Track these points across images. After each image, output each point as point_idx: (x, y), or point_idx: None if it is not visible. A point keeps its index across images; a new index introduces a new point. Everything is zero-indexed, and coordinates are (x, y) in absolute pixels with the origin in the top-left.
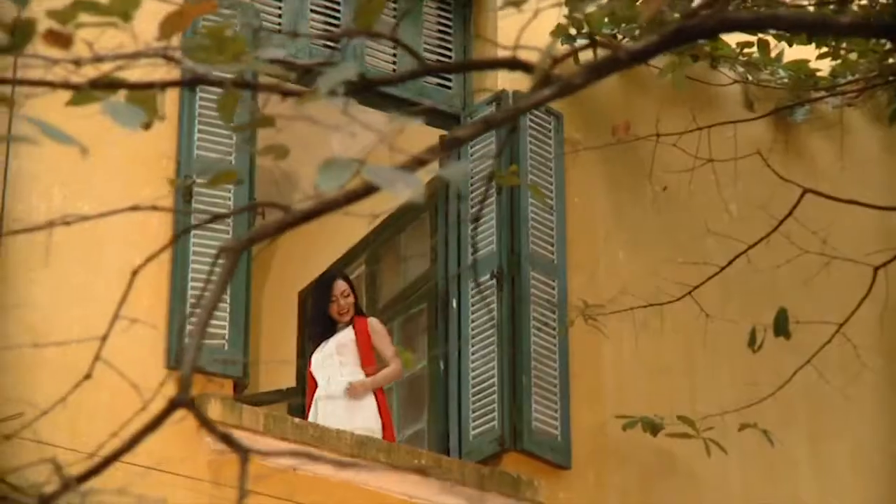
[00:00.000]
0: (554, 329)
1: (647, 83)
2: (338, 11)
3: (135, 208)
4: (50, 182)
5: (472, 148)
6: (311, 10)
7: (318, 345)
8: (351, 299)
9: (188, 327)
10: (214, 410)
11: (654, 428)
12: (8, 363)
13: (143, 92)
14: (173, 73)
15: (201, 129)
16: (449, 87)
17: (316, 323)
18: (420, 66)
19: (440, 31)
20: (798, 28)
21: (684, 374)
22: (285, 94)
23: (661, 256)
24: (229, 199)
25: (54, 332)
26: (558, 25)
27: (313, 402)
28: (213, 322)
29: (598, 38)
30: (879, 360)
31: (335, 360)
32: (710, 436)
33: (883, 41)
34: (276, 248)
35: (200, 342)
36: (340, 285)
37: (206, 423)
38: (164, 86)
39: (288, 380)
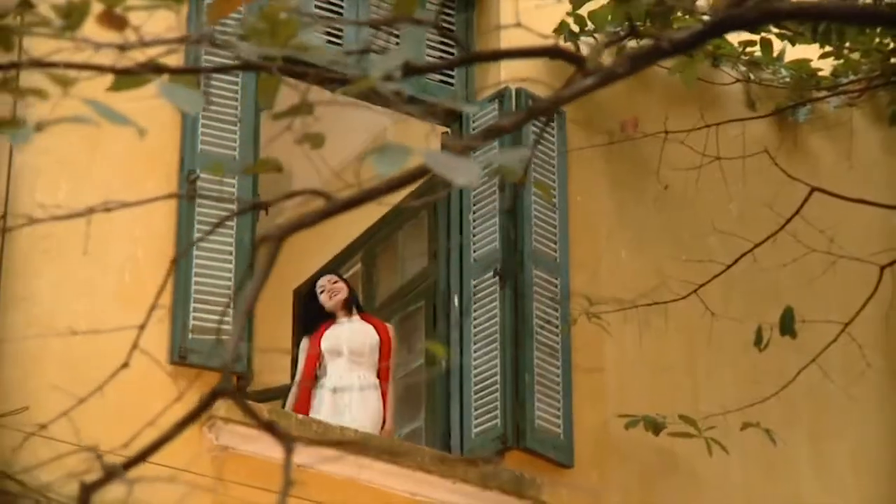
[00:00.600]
0: (556, 327)
1: (649, 81)
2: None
3: (173, 196)
4: (54, 176)
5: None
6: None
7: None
8: (341, 285)
9: (191, 322)
10: (219, 406)
11: (656, 427)
12: (13, 356)
13: (186, 77)
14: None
15: (205, 123)
16: (451, 84)
17: (308, 317)
18: (464, 53)
19: (443, 29)
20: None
21: (686, 372)
22: (333, 80)
23: (663, 255)
24: (233, 193)
25: (58, 325)
26: (562, 22)
27: (316, 389)
28: (216, 318)
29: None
30: (882, 360)
31: (348, 357)
32: (711, 435)
33: (887, 41)
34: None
35: (243, 331)
36: (325, 277)
37: (248, 412)
38: (211, 71)
39: (284, 378)
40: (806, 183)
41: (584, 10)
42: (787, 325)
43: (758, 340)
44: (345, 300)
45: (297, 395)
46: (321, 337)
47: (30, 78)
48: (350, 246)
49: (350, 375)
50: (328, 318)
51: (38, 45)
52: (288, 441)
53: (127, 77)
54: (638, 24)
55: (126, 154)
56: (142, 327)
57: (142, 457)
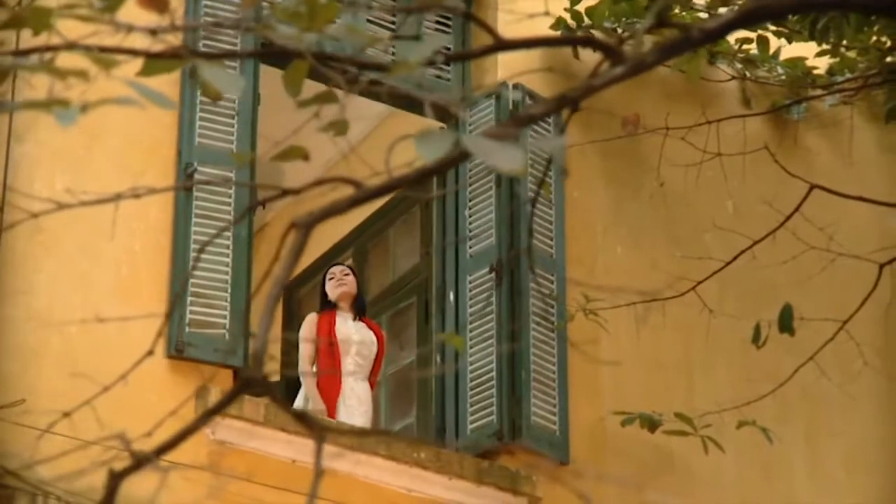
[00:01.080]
0: (552, 323)
1: (646, 78)
2: None
3: (207, 182)
4: (52, 168)
5: (471, 131)
6: None
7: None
8: (352, 279)
9: (188, 316)
10: (215, 400)
11: (652, 424)
12: (11, 348)
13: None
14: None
15: (202, 115)
16: (448, 80)
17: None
18: (496, 42)
19: (439, 24)
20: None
21: (682, 370)
22: (364, 66)
23: (659, 252)
24: (230, 186)
25: (55, 318)
26: (558, 18)
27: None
28: (214, 311)
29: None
30: (879, 359)
31: (353, 358)
32: (707, 433)
33: (884, 39)
34: (260, 241)
35: (271, 319)
36: (338, 266)
37: (277, 401)
38: (246, 56)
39: (272, 373)
40: (805, 180)
41: (581, 7)
42: (786, 322)
43: (755, 338)
44: (352, 298)
45: (319, 382)
46: (332, 325)
47: (59, 60)
48: (341, 241)
49: (353, 376)
50: (328, 306)
51: (67, 28)
52: (320, 431)
53: (159, 61)
54: (636, 20)
55: (124, 146)
56: (167, 315)
57: (169, 446)
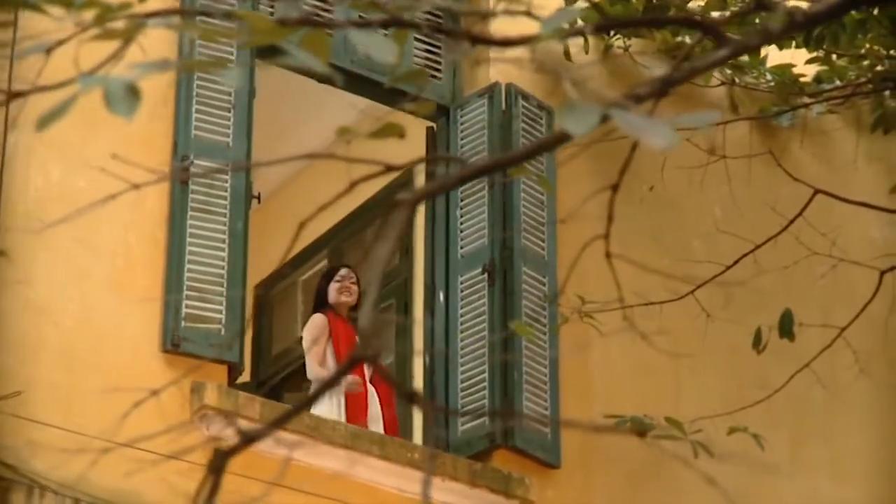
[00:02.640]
0: (544, 325)
1: (636, 82)
2: None
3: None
4: (47, 158)
5: (462, 140)
6: None
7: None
8: (356, 289)
9: (184, 310)
10: (211, 396)
11: (641, 429)
12: (8, 340)
13: (317, 35)
14: None
15: (198, 108)
16: (439, 79)
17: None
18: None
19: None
20: None
21: (671, 375)
22: (478, 40)
23: (649, 256)
24: (226, 179)
25: (51, 309)
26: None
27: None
28: (209, 306)
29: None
30: (874, 367)
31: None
32: (697, 438)
33: (877, 47)
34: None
35: (377, 297)
36: (348, 270)
37: (390, 380)
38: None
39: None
40: (809, 185)
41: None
42: (787, 328)
43: (756, 342)
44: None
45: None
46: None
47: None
48: (316, 241)
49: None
50: (323, 307)
51: None
52: (429, 413)
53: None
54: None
55: (119, 138)
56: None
57: (287, 417)
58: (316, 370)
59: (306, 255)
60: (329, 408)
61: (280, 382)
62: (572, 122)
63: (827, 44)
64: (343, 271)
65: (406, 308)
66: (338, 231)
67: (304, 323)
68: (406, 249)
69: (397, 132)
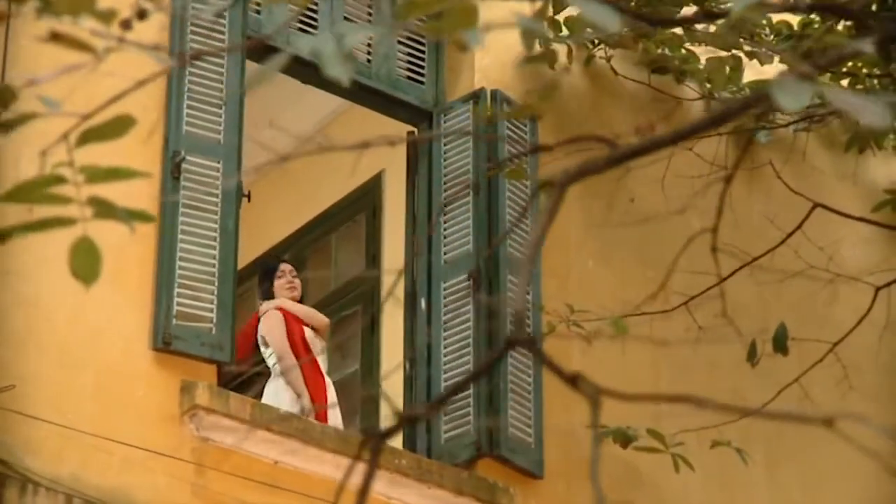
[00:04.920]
0: (529, 334)
1: (616, 92)
2: None
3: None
4: (39, 149)
5: (445, 146)
6: None
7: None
8: (298, 282)
9: (175, 308)
10: (202, 396)
11: (625, 440)
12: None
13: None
14: None
15: (190, 104)
16: (422, 83)
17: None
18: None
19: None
20: None
21: (651, 387)
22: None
23: (629, 267)
24: (218, 175)
25: (43, 304)
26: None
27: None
28: (200, 304)
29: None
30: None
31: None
32: (678, 451)
33: (860, 64)
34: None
35: (529, 280)
36: (287, 265)
37: (547, 363)
38: None
39: None
40: (808, 198)
41: (560, 16)
42: (780, 342)
43: (751, 355)
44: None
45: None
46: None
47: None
48: (278, 245)
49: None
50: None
51: None
52: (594, 395)
53: None
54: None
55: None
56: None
57: (445, 397)
58: (289, 362)
59: (262, 264)
60: (291, 399)
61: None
62: (786, 97)
63: (818, 59)
64: (283, 266)
65: (372, 316)
66: (300, 237)
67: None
68: (373, 257)
69: (533, 111)
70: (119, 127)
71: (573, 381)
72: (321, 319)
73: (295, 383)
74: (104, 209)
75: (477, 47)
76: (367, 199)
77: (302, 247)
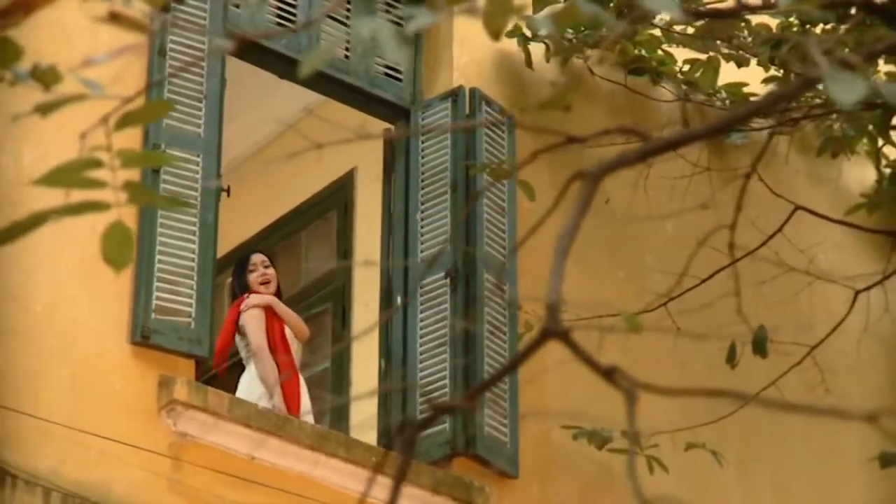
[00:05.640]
0: (505, 333)
1: (592, 93)
2: None
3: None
4: (20, 141)
5: (423, 144)
6: None
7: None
8: (272, 270)
9: (154, 302)
10: (181, 392)
11: (600, 441)
12: None
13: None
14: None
15: (171, 98)
16: (400, 80)
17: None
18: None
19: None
20: None
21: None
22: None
23: (603, 268)
24: (198, 169)
25: (21, 295)
26: (515, 26)
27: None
28: (179, 299)
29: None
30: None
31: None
32: (651, 453)
33: None
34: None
35: (562, 273)
36: (259, 255)
37: (582, 355)
38: None
39: None
40: (790, 201)
41: (539, 16)
42: (760, 344)
43: (730, 357)
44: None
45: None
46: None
47: None
48: (246, 242)
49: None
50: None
51: None
52: (630, 391)
53: None
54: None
55: (90, 124)
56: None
57: (482, 388)
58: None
59: (236, 257)
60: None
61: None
62: (841, 92)
63: (795, 63)
64: (254, 259)
65: (343, 312)
66: (270, 233)
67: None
68: (344, 254)
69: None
70: (156, 111)
71: (609, 374)
72: (304, 330)
73: (267, 381)
74: (139, 194)
75: (455, 46)
76: (338, 196)
77: (272, 243)
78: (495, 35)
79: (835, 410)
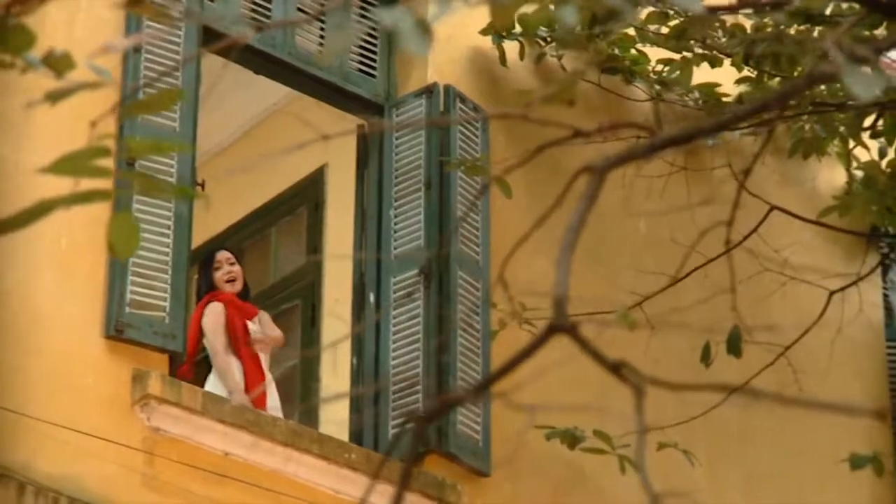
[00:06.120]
0: (478, 331)
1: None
2: None
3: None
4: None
5: (396, 140)
6: None
7: None
8: (238, 268)
9: (128, 296)
10: (154, 386)
11: (572, 440)
12: None
13: None
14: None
15: (146, 91)
16: (374, 77)
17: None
18: None
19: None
20: None
21: (596, 387)
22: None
23: (578, 266)
24: (173, 163)
25: None
26: (490, 24)
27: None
28: (153, 293)
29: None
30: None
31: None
32: (623, 452)
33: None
34: None
35: (569, 267)
36: (224, 253)
37: (589, 350)
38: None
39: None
40: (766, 201)
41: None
42: (734, 344)
43: (704, 356)
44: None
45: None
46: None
47: None
48: (214, 238)
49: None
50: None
51: None
52: (639, 386)
53: None
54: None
55: (66, 116)
56: None
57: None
58: (222, 359)
59: (201, 254)
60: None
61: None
62: (860, 86)
63: (769, 64)
64: (219, 256)
65: (313, 309)
66: (239, 229)
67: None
68: (314, 250)
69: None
70: (166, 100)
71: (617, 369)
72: (277, 337)
73: (226, 380)
74: (148, 184)
75: (430, 44)
76: (308, 193)
77: (241, 239)
78: (503, 27)
79: (838, 406)
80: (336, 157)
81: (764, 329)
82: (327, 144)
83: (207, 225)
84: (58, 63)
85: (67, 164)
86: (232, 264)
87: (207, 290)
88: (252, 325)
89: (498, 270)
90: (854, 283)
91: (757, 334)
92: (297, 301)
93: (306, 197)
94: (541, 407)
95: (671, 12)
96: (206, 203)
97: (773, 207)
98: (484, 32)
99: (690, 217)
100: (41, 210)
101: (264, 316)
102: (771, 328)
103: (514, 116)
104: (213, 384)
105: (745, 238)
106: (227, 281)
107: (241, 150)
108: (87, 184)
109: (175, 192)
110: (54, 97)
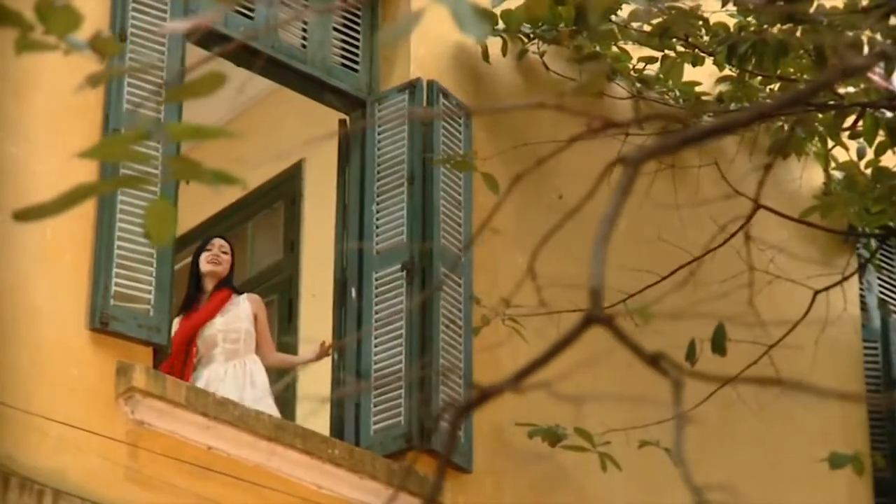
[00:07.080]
0: (460, 328)
1: (545, 88)
2: None
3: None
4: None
5: (379, 135)
6: None
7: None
8: (228, 259)
9: (113, 288)
10: (139, 379)
11: (554, 438)
12: None
13: None
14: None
15: (130, 82)
16: (356, 71)
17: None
18: None
19: (348, 17)
20: None
21: (574, 385)
22: None
23: (555, 264)
24: (158, 155)
25: None
26: None
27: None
28: (138, 286)
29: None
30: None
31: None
32: (605, 450)
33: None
34: None
35: (604, 258)
36: (219, 240)
37: (625, 341)
38: None
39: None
40: (751, 198)
41: (496, 10)
42: (719, 343)
43: (689, 354)
44: (219, 279)
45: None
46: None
47: None
48: (190, 232)
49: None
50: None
51: None
52: (676, 377)
53: None
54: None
55: (51, 107)
56: None
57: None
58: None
59: (179, 247)
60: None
61: None
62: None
63: (750, 63)
64: (214, 240)
65: (290, 304)
66: (216, 222)
67: None
68: (291, 245)
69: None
70: (209, 84)
71: (654, 361)
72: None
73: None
74: (187, 169)
75: (413, 38)
76: (286, 188)
77: (218, 232)
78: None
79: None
80: (315, 152)
81: (747, 327)
82: (306, 138)
83: (184, 218)
84: (104, 45)
85: (107, 149)
86: (225, 253)
87: (193, 272)
88: (218, 318)
89: (478, 267)
90: (839, 282)
91: (741, 333)
92: (274, 296)
93: (284, 191)
94: (581, 398)
95: (655, 10)
96: (243, 188)
97: (758, 206)
98: None
99: (677, 215)
100: (78, 195)
101: (242, 304)
102: (755, 326)
103: (499, 111)
104: (205, 383)
105: (732, 236)
106: (209, 262)
107: (221, 141)
108: (75, 175)
109: (214, 178)
110: (95, 81)
